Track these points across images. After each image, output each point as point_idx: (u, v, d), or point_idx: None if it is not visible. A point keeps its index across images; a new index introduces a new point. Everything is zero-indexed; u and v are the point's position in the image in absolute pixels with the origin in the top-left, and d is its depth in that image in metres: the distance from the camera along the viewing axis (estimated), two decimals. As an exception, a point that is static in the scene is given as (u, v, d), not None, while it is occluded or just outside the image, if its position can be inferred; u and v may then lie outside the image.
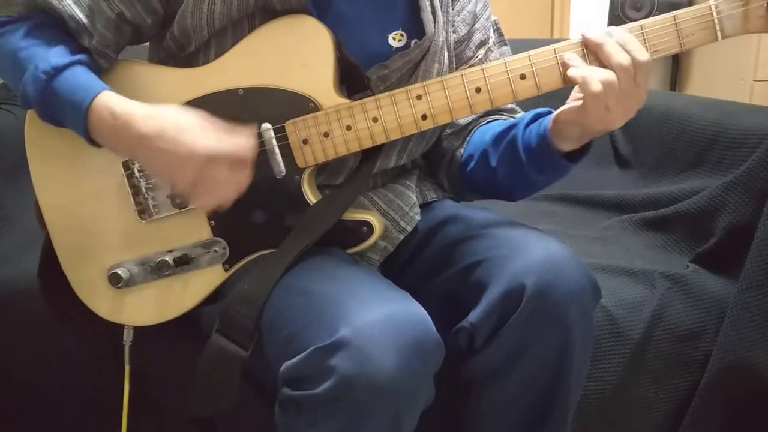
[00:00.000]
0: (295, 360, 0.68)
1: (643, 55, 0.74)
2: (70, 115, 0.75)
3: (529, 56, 0.78)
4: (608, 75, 0.74)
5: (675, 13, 0.77)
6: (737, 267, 1.06)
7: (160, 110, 0.73)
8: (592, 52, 0.77)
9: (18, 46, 0.76)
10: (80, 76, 0.75)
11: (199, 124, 0.73)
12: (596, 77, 0.74)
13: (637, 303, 1.06)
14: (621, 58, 0.74)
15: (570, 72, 0.76)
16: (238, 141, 0.73)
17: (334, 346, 0.65)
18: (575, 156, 0.84)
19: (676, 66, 2.32)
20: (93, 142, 0.76)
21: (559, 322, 0.77)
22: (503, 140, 0.88)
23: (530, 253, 0.78)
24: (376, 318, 0.67)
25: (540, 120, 0.84)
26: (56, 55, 0.75)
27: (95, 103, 0.73)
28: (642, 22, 0.77)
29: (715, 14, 0.76)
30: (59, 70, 0.74)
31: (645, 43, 0.77)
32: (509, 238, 0.82)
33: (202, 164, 0.71)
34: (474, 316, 0.79)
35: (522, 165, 0.85)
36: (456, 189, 0.99)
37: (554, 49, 0.78)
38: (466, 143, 0.96)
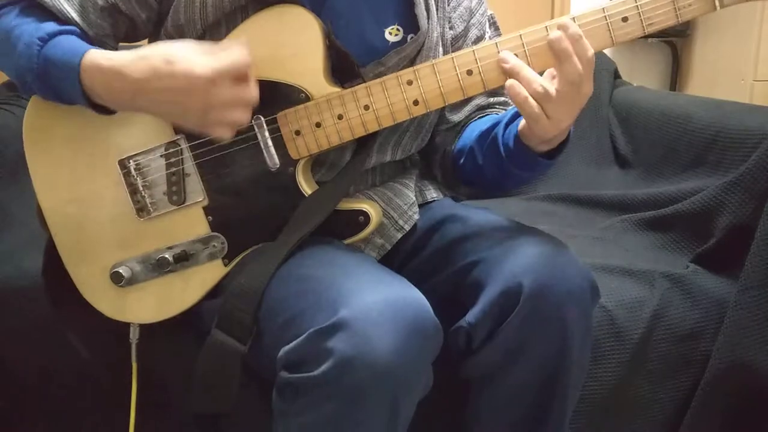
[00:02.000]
0: (293, 343, 0.67)
1: (589, 52, 0.72)
2: (67, 80, 0.74)
3: (520, 35, 0.76)
4: (542, 90, 0.72)
5: None
6: (737, 267, 1.06)
7: (146, 50, 0.72)
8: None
9: (11, 25, 0.77)
10: (72, 41, 0.75)
11: (188, 50, 0.71)
12: (529, 96, 0.73)
13: (637, 303, 1.06)
14: (573, 70, 0.71)
15: (508, 92, 0.75)
16: (231, 54, 0.71)
17: (332, 328, 0.65)
18: (554, 153, 0.83)
19: (676, 66, 2.31)
20: (96, 107, 0.76)
21: (557, 322, 0.77)
22: (487, 138, 0.88)
23: (528, 252, 0.78)
24: (375, 300, 0.67)
25: (519, 119, 0.83)
26: (50, 24, 0.75)
27: (84, 63, 0.72)
28: None
29: None
30: (53, 35, 0.74)
31: (640, 17, 0.75)
32: (507, 237, 0.82)
33: (206, 87, 0.69)
34: (472, 315, 0.79)
35: (504, 163, 0.85)
36: (449, 182, 1.00)
37: (546, 27, 0.76)
38: (458, 139, 0.96)
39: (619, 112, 1.69)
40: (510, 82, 0.75)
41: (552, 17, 2.41)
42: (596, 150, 1.67)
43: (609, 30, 0.76)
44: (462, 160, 0.94)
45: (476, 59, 0.77)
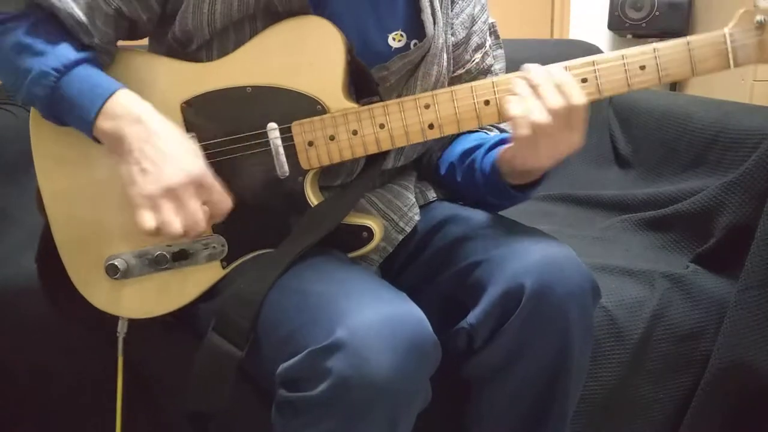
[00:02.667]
0: (291, 361, 0.67)
1: (578, 99, 0.73)
2: (78, 113, 0.74)
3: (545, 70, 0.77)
4: (541, 118, 0.73)
5: (689, 38, 0.76)
6: (737, 267, 1.06)
7: (168, 121, 0.75)
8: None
9: (22, 43, 0.75)
10: (93, 75, 0.75)
11: (196, 149, 0.75)
12: (528, 119, 0.73)
13: (637, 303, 1.06)
14: (555, 102, 0.73)
15: (507, 107, 0.76)
16: (220, 188, 0.74)
17: (330, 348, 0.65)
18: (528, 187, 0.84)
19: (677, 66, 2.31)
20: (96, 140, 0.76)
21: (558, 322, 0.77)
22: (467, 158, 0.89)
23: (529, 253, 0.78)
24: (373, 319, 0.66)
25: (500, 146, 0.84)
26: (64, 52, 0.75)
27: (112, 101, 0.73)
28: (655, 45, 0.76)
29: (729, 42, 0.74)
30: (69, 67, 0.74)
31: (657, 66, 0.76)
32: (508, 238, 0.82)
33: (194, 179, 0.71)
34: (473, 316, 0.79)
35: (478, 187, 0.86)
36: (435, 187, 1.00)
37: (566, 67, 0.77)
38: (443, 149, 0.97)
39: (619, 112, 1.69)
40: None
41: (551, 23, 2.42)
42: (596, 150, 1.67)
43: (626, 76, 0.77)
44: (443, 172, 0.96)
45: (495, 90, 0.78)
